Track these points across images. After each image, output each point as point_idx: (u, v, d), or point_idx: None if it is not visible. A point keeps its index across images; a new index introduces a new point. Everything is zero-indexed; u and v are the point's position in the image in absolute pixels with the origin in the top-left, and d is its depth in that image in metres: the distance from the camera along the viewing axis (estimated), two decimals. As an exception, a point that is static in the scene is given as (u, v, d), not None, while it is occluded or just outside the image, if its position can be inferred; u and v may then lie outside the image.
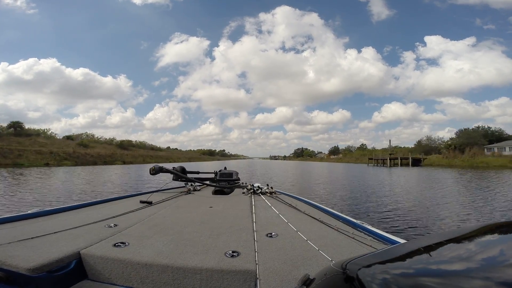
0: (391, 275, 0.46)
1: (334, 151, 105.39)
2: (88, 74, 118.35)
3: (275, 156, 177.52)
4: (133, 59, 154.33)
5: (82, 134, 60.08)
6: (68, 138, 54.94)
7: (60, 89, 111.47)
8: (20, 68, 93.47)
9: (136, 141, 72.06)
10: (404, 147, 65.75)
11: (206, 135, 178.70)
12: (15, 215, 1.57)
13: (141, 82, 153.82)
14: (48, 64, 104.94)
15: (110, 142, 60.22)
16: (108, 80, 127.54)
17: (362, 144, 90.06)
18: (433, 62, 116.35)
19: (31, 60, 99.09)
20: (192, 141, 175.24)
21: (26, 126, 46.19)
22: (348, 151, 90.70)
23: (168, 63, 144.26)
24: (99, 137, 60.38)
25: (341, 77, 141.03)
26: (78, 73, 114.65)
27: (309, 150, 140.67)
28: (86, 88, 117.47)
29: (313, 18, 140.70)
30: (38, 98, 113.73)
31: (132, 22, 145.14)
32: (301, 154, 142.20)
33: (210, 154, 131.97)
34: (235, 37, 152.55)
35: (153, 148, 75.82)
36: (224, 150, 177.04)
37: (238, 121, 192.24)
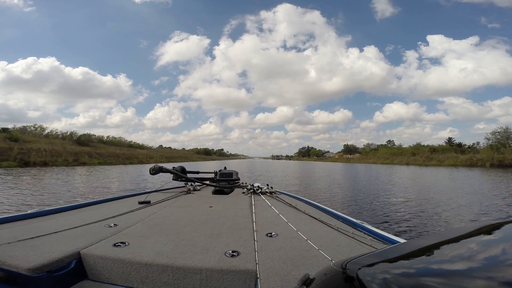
0: (391, 275, 0.46)
1: (350, 149, 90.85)
2: (87, 73, 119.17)
3: (277, 156, 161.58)
4: (133, 58, 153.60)
5: (29, 126, 45.17)
6: (4, 130, 39.54)
7: (59, 88, 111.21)
8: (19, 67, 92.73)
9: (109, 136, 57.53)
10: (428, 145, 50.48)
11: (206, 134, 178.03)
12: (15, 215, 1.56)
13: (141, 81, 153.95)
14: (47, 63, 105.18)
15: (69, 137, 45.36)
16: (107, 79, 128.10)
17: (389, 140, 75.28)
18: (436, 61, 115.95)
19: (30, 59, 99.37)
20: (193, 140, 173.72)
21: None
22: (369, 149, 76.07)
23: (168, 61, 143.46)
24: (54, 130, 45.71)
25: (343, 76, 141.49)
26: (77, 72, 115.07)
27: (316, 149, 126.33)
28: (86, 87, 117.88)
29: (315, 16, 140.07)
30: (37, 98, 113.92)
31: (131, 20, 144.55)
32: (307, 153, 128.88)
33: (206, 154, 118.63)
34: (235, 36, 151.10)
35: (132, 146, 60.72)
36: (222, 149, 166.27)
37: (238, 121, 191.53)
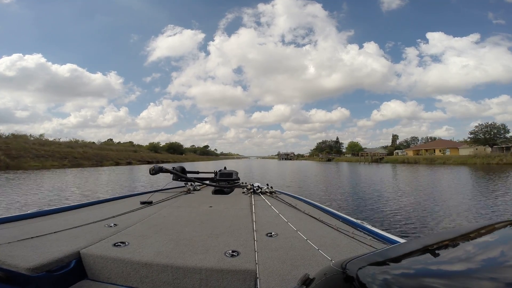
0: (391, 275, 0.45)
1: (492, 139, 41.05)
2: (75, 70, 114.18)
3: (287, 155, 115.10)
4: (123, 54, 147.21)
5: None
6: None
7: (45, 86, 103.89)
8: (3, 64, 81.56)
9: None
10: None
11: (202, 134, 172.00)
12: (15, 215, 1.55)
13: (133, 78, 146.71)
14: (32, 60, 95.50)
15: None
16: (97, 76, 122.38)
17: None
18: (436, 58, 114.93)
19: (15, 56, 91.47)
20: (188, 140, 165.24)
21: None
22: None
23: (159, 57, 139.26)
24: None
25: (343, 73, 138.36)
26: (65, 69, 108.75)
27: (354, 142, 79.48)
28: (74, 85, 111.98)
29: (317, 9, 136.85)
30: (23, 96, 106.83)
31: (121, 13, 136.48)
32: (335, 150, 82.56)
33: (173, 151, 70.36)
34: (231, 30, 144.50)
35: (34, 143, 32.98)
36: (207, 146, 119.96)
37: (234, 120, 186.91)
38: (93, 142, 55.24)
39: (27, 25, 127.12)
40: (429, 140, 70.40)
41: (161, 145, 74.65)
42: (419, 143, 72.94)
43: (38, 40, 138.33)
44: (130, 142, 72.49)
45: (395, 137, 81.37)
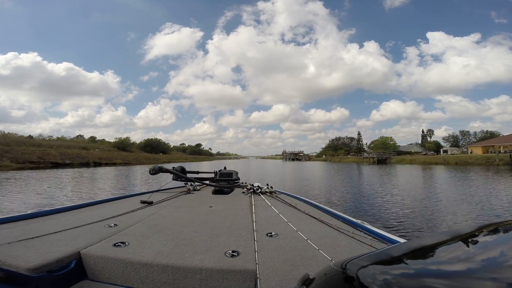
0: (391, 275, 0.45)
1: None
2: (72, 69, 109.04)
3: (295, 154, 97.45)
4: (120, 52, 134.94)
5: None
6: None
7: (41, 85, 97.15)
8: None
9: None
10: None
11: (200, 134, 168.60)
12: (15, 215, 1.55)
13: (130, 77, 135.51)
14: (28, 58, 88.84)
15: None
16: (94, 75, 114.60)
17: None
18: (436, 58, 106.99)
19: (10, 55, 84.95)
20: (186, 140, 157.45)
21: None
22: None
23: (157, 55, 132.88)
24: None
25: (343, 72, 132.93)
26: (60, 68, 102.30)
27: (386, 138, 63.31)
28: (70, 84, 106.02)
29: (318, 6, 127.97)
30: (18, 95, 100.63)
31: (118, 11, 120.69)
32: (354, 148, 66.79)
33: (150, 150, 53.79)
34: (230, 28, 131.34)
35: None
36: (200, 145, 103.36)
37: (233, 120, 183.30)
38: (30, 137, 38.47)
39: (22, 23, 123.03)
40: (488, 134, 53.89)
41: (131, 141, 57.98)
42: (471, 137, 56.47)
43: (34, 39, 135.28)
44: (91, 137, 55.89)
45: (429, 133, 64.58)
